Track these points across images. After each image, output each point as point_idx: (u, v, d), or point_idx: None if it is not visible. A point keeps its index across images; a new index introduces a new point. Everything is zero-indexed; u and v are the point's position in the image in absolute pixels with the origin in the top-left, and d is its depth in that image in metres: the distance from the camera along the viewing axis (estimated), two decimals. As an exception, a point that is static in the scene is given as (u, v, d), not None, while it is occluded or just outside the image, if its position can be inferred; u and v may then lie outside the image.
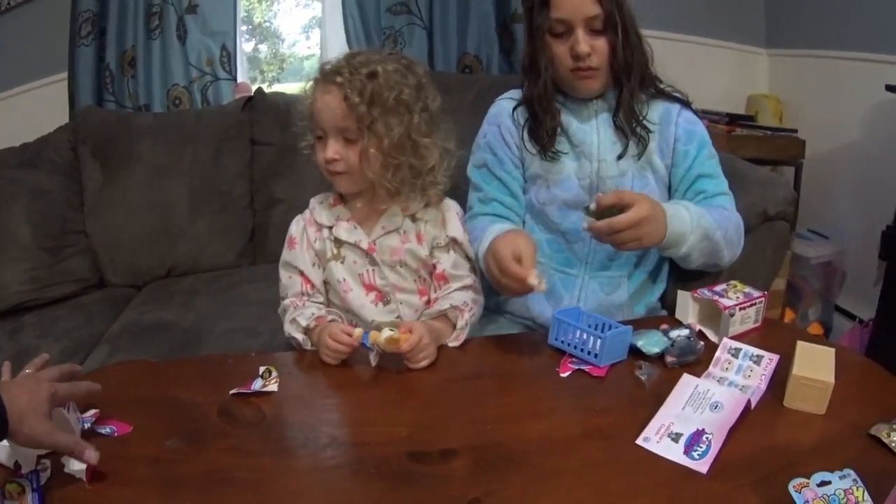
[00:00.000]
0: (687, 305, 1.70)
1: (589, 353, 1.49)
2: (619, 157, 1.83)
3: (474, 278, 1.76)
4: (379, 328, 1.50)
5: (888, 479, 1.05)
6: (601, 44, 1.73)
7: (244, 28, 3.87)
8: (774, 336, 1.59)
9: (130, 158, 2.96)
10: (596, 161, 1.84)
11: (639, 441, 1.25)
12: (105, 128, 3.02)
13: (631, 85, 1.80)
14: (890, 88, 2.77)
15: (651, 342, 1.52)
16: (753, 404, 1.34)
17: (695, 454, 1.20)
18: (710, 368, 1.49)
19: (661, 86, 1.88)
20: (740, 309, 1.62)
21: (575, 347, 1.52)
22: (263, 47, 4.19)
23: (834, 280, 3.68)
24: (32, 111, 3.32)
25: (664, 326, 1.58)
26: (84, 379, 1.39)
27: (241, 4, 3.62)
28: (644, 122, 1.83)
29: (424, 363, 1.51)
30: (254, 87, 3.35)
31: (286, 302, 1.73)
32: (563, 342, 1.54)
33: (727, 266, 1.86)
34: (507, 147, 1.90)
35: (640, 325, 1.62)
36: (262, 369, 1.44)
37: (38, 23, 3.27)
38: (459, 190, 1.93)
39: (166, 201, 2.95)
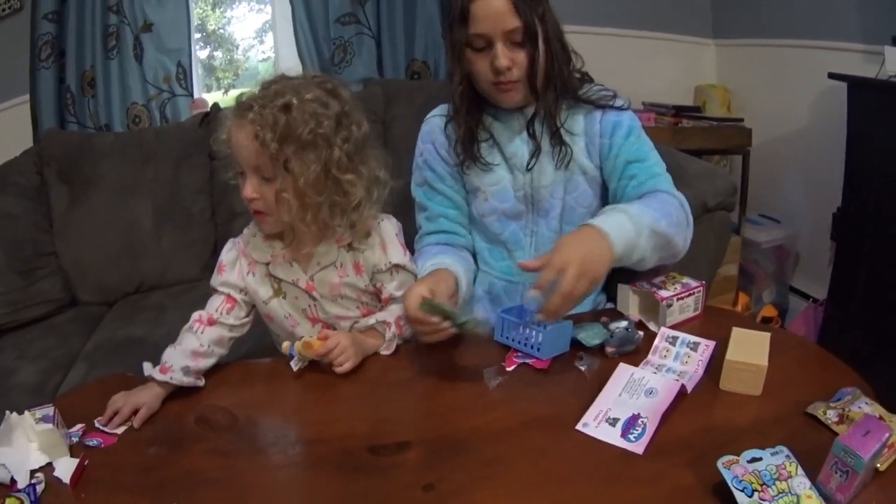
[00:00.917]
0: (627, 298, 1.76)
1: (532, 346, 1.58)
2: (529, 168, 1.84)
3: None
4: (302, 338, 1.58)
5: (824, 454, 1.10)
6: (521, 56, 1.70)
7: (198, 36, 3.91)
8: (715, 323, 1.64)
9: (94, 179, 3.02)
10: (529, 173, 1.85)
11: (578, 427, 1.33)
12: (69, 150, 3.07)
13: (548, 98, 1.77)
14: (833, 76, 2.83)
15: (591, 334, 1.59)
16: (690, 389, 1.42)
17: (631, 437, 1.29)
18: (650, 356, 1.55)
19: (586, 88, 1.85)
20: (678, 299, 1.69)
21: (519, 343, 1.60)
22: (218, 54, 4.23)
23: (787, 262, 3.77)
24: (-4, 135, 3.38)
25: (605, 319, 1.65)
26: (68, 396, 1.51)
27: (194, 18, 3.68)
28: (562, 130, 1.81)
29: (346, 366, 1.54)
30: (210, 96, 3.46)
31: (193, 319, 1.68)
32: (507, 338, 1.63)
33: (683, 251, 1.80)
34: (444, 163, 1.91)
35: (582, 318, 1.69)
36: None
37: (-1, 45, 3.30)
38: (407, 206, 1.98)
39: (131, 219, 3.01)
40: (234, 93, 3.86)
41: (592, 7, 3.93)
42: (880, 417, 1.25)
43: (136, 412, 1.43)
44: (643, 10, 4.06)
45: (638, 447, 1.27)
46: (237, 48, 4.24)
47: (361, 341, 1.62)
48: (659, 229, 1.63)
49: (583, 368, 1.52)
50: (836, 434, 1.20)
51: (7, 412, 1.36)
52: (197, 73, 3.78)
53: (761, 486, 1.11)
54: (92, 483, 1.26)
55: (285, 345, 1.60)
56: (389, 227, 1.74)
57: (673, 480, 1.18)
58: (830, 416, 1.30)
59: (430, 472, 1.22)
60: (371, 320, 1.69)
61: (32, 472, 1.28)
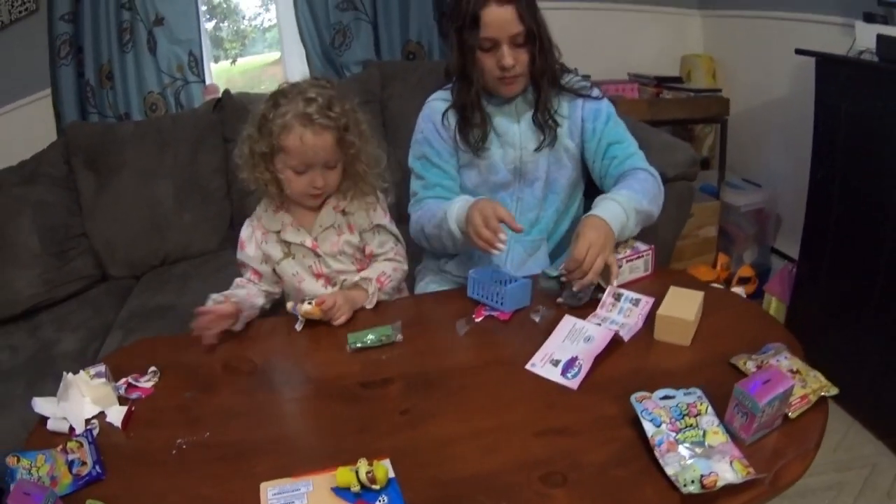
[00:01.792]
0: None
1: (497, 301, 1.83)
2: (537, 148, 2.11)
3: (396, 251, 2.06)
4: (303, 301, 1.82)
5: None
6: (523, 55, 1.97)
7: (204, 8, 3.94)
8: (663, 282, 1.80)
9: (119, 165, 3.18)
10: (518, 149, 2.12)
11: (527, 366, 1.58)
12: (92, 140, 3.22)
13: (546, 87, 2.06)
14: (800, 52, 2.88)
15: (552, 268, 1.91)
16: (628, 338, 1.66)
17: (569, 375, 1.52)
18: (598, 310, 1.78)
19: (567, 78, 2.14)
20: (627, 261, 1.91)
21: (487, 298, 1.86)
22: (225, 25, 4.29)
23: (767, 224, 3.86)
24: (21, 128, 3.48)
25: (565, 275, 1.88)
26: (111, 357, 1.76)
27: (202, 9, 3.79)
28: (556, 116, 2.10)
29: (341, 320, 1.83)
30: (218, 66, 3.73)
31: (237, 279, 2.04)
32: (478, 294, 1.89)
33: (658, 214, 2.09)
34: (442, 140, 2.13)
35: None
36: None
37: (18, 45, 3.41)
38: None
39: (154, 199, 3.19)
40: (241, 62, 4.38)
41: None
42: (797, 371, 1.40)
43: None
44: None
45: (573, 383, 1.51)
46: (243, 18, 4.32)
47: (352, 298, 1.89)
48: (641, 208, 1.95)
49: (536, 319, 1.78)
50: (752, 382, 1.34)
51: (64, 373, 1.56)
52: (208, 59, 3.92)
53: (670, 419, 1.27)
54: (138, 424, 1.50)
55: (288, 305, 1.86)
56: (375, 196, 2.03)
57: (598, 410, 1.41)
58: (750, 366, 1.46)
59: (407, 401, 1.50)
60: (355, 277, 1.97)
61: (87, 421, 1.49)
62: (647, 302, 1.76)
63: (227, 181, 3.35)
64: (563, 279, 1.84)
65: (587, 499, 1.22)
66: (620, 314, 1.77)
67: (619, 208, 1.91)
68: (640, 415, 1.30)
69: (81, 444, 1.37)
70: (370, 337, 1.71)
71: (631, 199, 1.94)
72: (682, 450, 1.23)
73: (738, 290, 3.29)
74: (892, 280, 2.54)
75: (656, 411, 1.30)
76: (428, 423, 1.43)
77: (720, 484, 1.15)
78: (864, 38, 2.75)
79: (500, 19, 1.92)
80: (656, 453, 1.24)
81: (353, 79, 3.56)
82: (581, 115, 2.15)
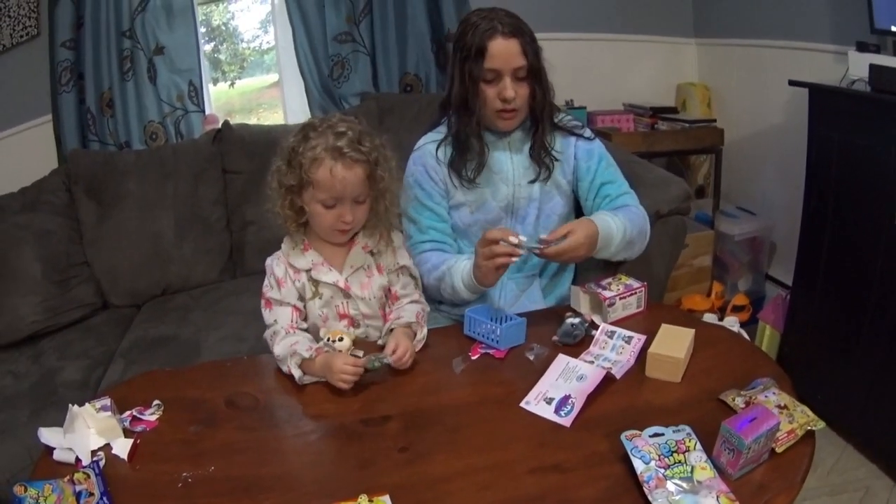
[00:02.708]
0: (578, 297, 2.02)
1: (493, 340, 1.87)
2: (532, 181, 2.15)
3: (419, 293, 2.02)
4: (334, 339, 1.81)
5: None
6: (523, 89, 2.01)
7: (203, 31, 4.02)
8: (656, 318, 1.85)
9: (120, 195, 3.22)
10: (512, 185, 2.15)
11: (522, 404, 1.61)
12: (94, 168, 3.25)
13: (544, 123, 2.10)
14: (793, 83, 2.92)
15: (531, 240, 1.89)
16: (620, 375, 1.69)
17: (562, 413, 1.55)
18: (591, 347, 1.82)
19: (560, 116, 2.19)
20: (620, 298, 1.95)
21: (482, 336, 1.90)
22: (224, 48, 4.32)
23: (762, 252, 3.90)
24: (22, 153, 3.51)
25: (569, 314, 1.93)
26: (116, 390, 1.78)
27: (202, 37, 3.85)
28: (553, 152, 2.15)
29: (408, 365, 1.78)
30: (217, 88, 3.81)
31: (278, 327, 1.86)
32: (474, 333, 1.92)
33: (640, 252, 2.16)
34: (433, 182, 2.14)
35: (549, 314, 2.01)
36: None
37: (19, 69, 3.44)
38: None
39: (155, 230, 3.22)
40: (240, 84, 4.39)
41: (579, 14, 4.11)
42: (784, 406, 1.43)
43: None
44: (627, 15, 4.20)
45: (566, 421, 1.54)
46: (242, 40, 4.35)
47: (411, 339, 1.86)
48: (628, 237, 2.03)
49: (531, 357, 1.81)
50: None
51: (70, 405, 1.57)
52: (207, 87, 3.95)
53: (659, 456, 1.31)
54: (143, 456, 1.51)
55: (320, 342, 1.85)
56: (398, 236, 2.02)
57: (590, 447, 1.45)
58: (738, 402, 1.49)
59: (405, 438, 1.53)
60: (408, 318, 1.90)
61: (93, 452, 1.50)
62: (638, 339, 1.80)
63: (226, 212, 3.40)
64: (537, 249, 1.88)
65: (579, 535, 1.25)
66: (613, 351, 1.80)
67: (613, 229, 2.00)
68: (629, 452, 1.33)
69: (89, 476, 1.39)
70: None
71: (624, 228, 2.02)
72: (671, 485, 1.27)
73: (733, 318, 3.29)
74: (885, 306, 2.57)
75: (646, 448, 1.33)
76: (425, 460, 1.46)
77: (707, 518, 1.18)
78: (857, 67, 2.79)
79: (505, 52, 1.97)
80: (645, 489, 1.27)
81: (351, 111, 3.58)
82: (574, 153, 2.20)
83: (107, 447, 1.53)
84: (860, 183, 2.67)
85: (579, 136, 2.20)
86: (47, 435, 1.54)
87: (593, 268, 2.30)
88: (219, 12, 4.23)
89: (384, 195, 1.88)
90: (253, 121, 4.28)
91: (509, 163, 2.15)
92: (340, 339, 1.81)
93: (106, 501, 1.35)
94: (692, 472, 1.29)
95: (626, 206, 2.14)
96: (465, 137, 2.09)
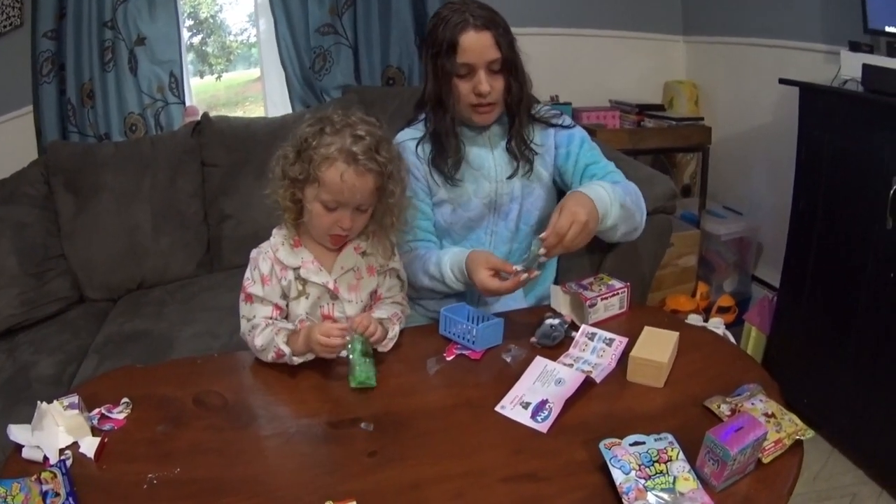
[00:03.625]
0: (558, 297, 1.99)
1: (468, 340, 1.83)
2: (510, 177, 2.12)
3: (402, 296, 1.98)
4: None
5: None
6: (498, 83, 1.99)
7: (191, 23, 4.06)
8: (639, 320, 1.81)
9: (98, 188, 3.19)
10: (494, 182, 2.12)
11: (497, 408, 1.57)
12: (73, 160, 3.23)
13: (521, 116, 2.08)
14: (784, 81, 2.90)
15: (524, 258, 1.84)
16: (601, 379, 1.65)
17: (539, 418, 1.51)
18: (570, 350, 1.78)
19: (537, 107, 2.17)
20: (602, 299, 1.91)
21: (458, 336, 1.86)
22: (211, 41, 4.29)
23: (748, 253, 3.90)
24: (0, 145, 3.47)
25: (548, 315, 1.89)
26: (84, 387, 1.74)
27: (185, 31, 3.83)
28: (532, 145, 2.12)
29: (377, 337, 1.75)
30: (203, 81, 3.78)
31: (256, 321, 1.79)
32: (449, 332, 1.89)
33: (641, 227, 2.12)
34: (415, 179, 2.09)
35: (528, 314, 1.97)
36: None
37: (1, 60, 3.41)
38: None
39: (132, 223, 3.20)
40: (226, 77, 4.37)
41: (566, 9, 4.09)
42: (772, 414, 1.40)
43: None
44: (615, 11, 4.19)
45: (543, 427, 1.49)
46: (229, 34, 4.33)
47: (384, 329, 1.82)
48: (625, 203, 1.96)
49: (508, 360, 1.77)
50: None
51: (38, 402, 1.54)
52: (189, 80, 3.93)
53: (639, 466, 1.27)
54: (110, 456, 1.47)
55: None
56: (391, 241, 1.94)
57: (567, 455, 1.41)
58: (724, 409, 1.46)
59: (375, 442, 1.49)
60: (383, 314, 1.88)
61: (61, 451, 1.47)
62: (620, 342, 1.76)
63: (204, 206, 3.37)
64: (541, 258, 1.83)
65: (553, 546, 1.21)
66: (594, 354, 1.76)
67: (605, 194, 1.92)
68: (608, 462, 1.30)
69: (55, 475, 1.37)
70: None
71: (616, 192, 1.96)
72: (651, 497, 1.23)
73: (718, 319, 3.28)
74: (873, 310, 2.56)
75: (625, 458, 1.30)
76: (396, 465, 1.43)
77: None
78: (850, 66, 2.80)
79: (477, 45, 1.94)
80: (625, 501, 1.23)
81: (332, 104, 3.53)
82: (554, 142, 2.18)
83: (74, 446, 1.51)
84: (850, 184, 2.65)
85: (557, 125, 2.17)
86: (16, 432, 1.52)
87: (576, 267, 2.28)
88: (206, 4, 4.21)
89: (392, 211, 1.82)
90: (239, 114, 4.27)
91: (490, 158, 2.13)
92: None
93: (72, 502, 1.33)
94: (674, 483, 1.26)
95: (616, 181, 2.11)
96: (442, 135, 2.06)
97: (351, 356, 1.69)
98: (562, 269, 2.34)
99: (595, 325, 1.87)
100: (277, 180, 1.78)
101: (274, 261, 1.83)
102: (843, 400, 2.67)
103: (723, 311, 3.64)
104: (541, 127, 2.17)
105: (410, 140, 2.14)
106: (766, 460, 1.32)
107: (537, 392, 1.61)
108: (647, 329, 1.73)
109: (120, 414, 1.62)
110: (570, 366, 1.71)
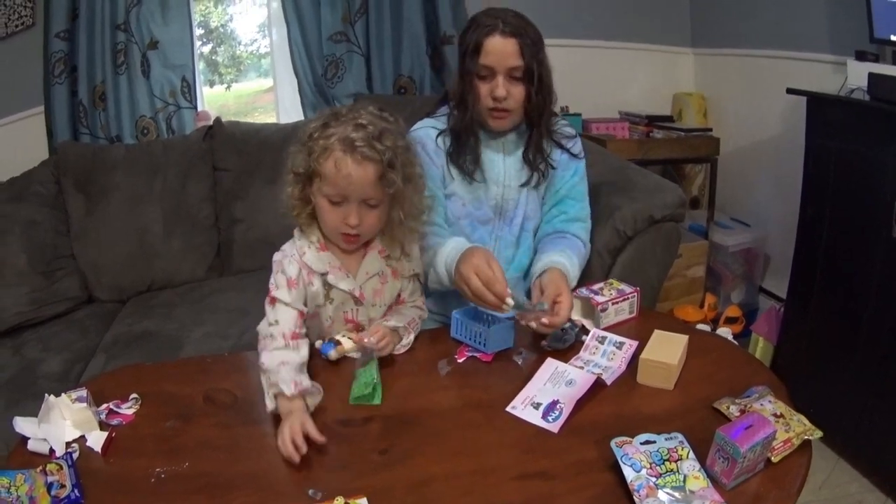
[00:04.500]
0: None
1: (479, 343, 1.83)
2: (523, 185, 2.13)
3: (422, 300, 1.98)
4: (335, 340, 1.78)
5: None
6: (518, 90, 1.98)
7: (201, 32, 4.06)
8: (648, 325, 1.79)
9: (109, 189, 3.20)
10: (502, 186, 2.13)
11: (508, 409, 1.57)
12: (83, 161, 3.24)
13: (541, 128, 2.07)
14: (791, 91, 2.90)
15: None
16: (611, 382, 1.65)
17: (549, 418, 1.51)
18: (581, 353, 1.78)
19: (555, 122, 2.16)
20: (613, 304, 1.92)
21: (469, 339, 1.85)
22: (221, 50, 4.32)
23: (755, 264, 3.89)
24: (12, 143, 3.48)
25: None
26: (94, 382, 1.75)
27: (196, 33, 3.81)
28: (548, 159, 2.13)
29: (387, 351, 1.76)
30: (213, 91, 3.78)
31: (276, 331, 1.68)
32: (461, 335, 1.88)
33: None
34: (433, 165, 2.08)
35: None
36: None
37: (13, 59, 3.42)
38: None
39: (143, 225, 3.21)
40: (236, 87, 4.39)
41: (576, 21, 4.07)
42: (781, 415, 1.40)
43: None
44: (625, 23, 4.19)
45: (554, 427, 1.49)
46: (239, 44, 4.34)
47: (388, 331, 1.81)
48: (577, 273, 2.05)
49: (519, 362, 1.77)
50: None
51: (46, 395, 1.54)
52: (201, 85, 3.95)
53: (650, 464, 1.27)
54: (118, 450, 1.48)
55: (317, 343, 1.81)
56: (415, 245, 1.92)
57: (578, 454, 1.41)
58: (733, 410, 1.46)
59: (386, 440, 1.49)
60: (399, 322, 1.85)
61: (68, 444, 1.47)
62: (630, 345, 1.76)
63: (215, 210, 3.38)
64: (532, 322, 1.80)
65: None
66: (604, 357, 1.76)
67: (574, 272, 2.02)
68: (619, 460, 1.30)
69: (61, 467, 1.37)
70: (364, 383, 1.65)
71: (576, 267, 2.05)
72: (662, 495, 1.23)
73: (725, 330, 3.30)
74: (880, 319, 2.56)
75: (636, 456, 1.29)
76: (406, 463, 1.42)
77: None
78: (856, 76, 2.80)
79: (500, 50, 1.94)
80: (635, 498, 1.23)
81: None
82: (556, 161, 2.18)
83: (81, 439, 1.51)
84: (858, 193, 2.66)
85: (568, 150, 2.18)
86: (22, 424, 1.52)
87: (585, 274, 2.25)
88: (217, 14, 4.23)
89: (400, 203, 1.75)
90: (250, 122, 4.25)
91: (501, 164, 2.13)
92: (338, 343, 1.79)
93: (77, 494, 1.33)
94: (685, 481, 1.26)
95: (575, 238, 2.16)
96: (462, 132, 2.07)
97: (360, 373, 1.68)
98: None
99: (606, 329, 1.87)
100: (287, 178, 1.76)
101: (301, 265, 1.76)
102: (850, 409, 2.67)
103: (730, 321, 3.62)
104: (552, 145, 2.16)
105: (431, 128, 2.14)
106: (775, 459, 1.33)
107: (548, 393, 1.61)
108: (657, 332, 1.73)
109: (129, 409, 1.62)
110: (581, 368, 1.70)
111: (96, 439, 1.50)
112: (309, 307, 1.80)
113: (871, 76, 2.61)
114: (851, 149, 2.64)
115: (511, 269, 2.19)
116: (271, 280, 1.77)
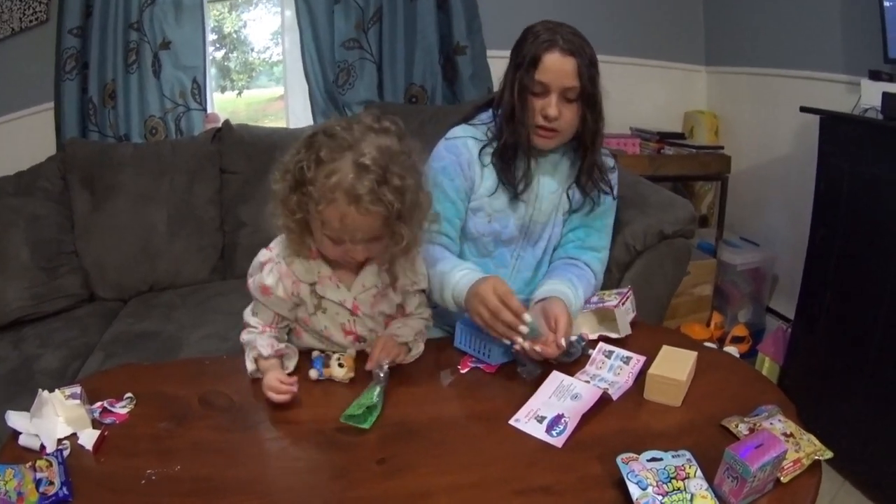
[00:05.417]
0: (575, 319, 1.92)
1: (484, 353, 1.79)
2: (574, 211, 2.07)
3: (429, 312, 1.90)
4: (328, 356, 1.73)
5: None
6: (570, 112, 1.89)
7: (214, 37, 4.08)
8: (655, 341, 1.75)
9: (115, 187, 3.19)
10: (532, 208, 2.05)
11: (511, 421, 1.53)
12: (90, 159, 3.24)
13: (594, 153, 1.98)
14: (805, 110, 2.89)
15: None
16: (617, 397, 1.61)
17: (553, 432, 1.47)
18: (587, 367, 1.75)
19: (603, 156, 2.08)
20: (622, 304, 1.88)
21: (474, 349, 1.82)
22: (234, 56, 4.34)
23: (763, 284, 3.84)
24: (21, 138, 3.49)
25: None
26: (89, 380, 1.73)
27: (209, 34, 3.82)
28: (601, 185, 2.03)
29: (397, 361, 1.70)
30: (225, 97, 3.78)
31: (254, 320, 1.75)
32: (465, 345, 1.84)
33: None
34: (463, 178, 2.00)
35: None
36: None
37: (26, 54, 3.42)
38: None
39: (147, 225, 3.19)
40: (247, 94, 4.39)
41: (591, 36, 3.98)
42: (791, 434, 1.38)
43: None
44: (639, 40, 4.16)
45: (558, 441, 1.46)
46: (252, 50, 4.36)
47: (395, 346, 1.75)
48: (580, 307, 1.94)
49: (524, 374, 1.72)
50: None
51: (39, 390, 1.52)
52: (211, 88, 3.94)
53: (657, 482, 1.25)
54: (110, 450, 1.45)
55: (314, 353, 1.77)
56: (420, 260, 1.82)
57: (582, 470, 1.37)
58: (742, 428, 1.43)
59: (384, 450, 1.45)
60: (407, 336, 1.78)
61: (59, 441, 1.45)
62: (637, 360, 1.73)
63: (221, 212, 3.37)
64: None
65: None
66: (610, 372, 1.73)
67: (578, 303, 1.93)
68: (625, 477, 1.27)
69: (51, 464, 1.35)
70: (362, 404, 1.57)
71: (580, 299, 1.95)
72: (668, 513, 1.20)
73: (732, 349, 3.27)
74: (888, 342, 2.53)
75: (643, 473, 1.27)
76: (405, 474, 1.39)
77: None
78: (870, 95, 2.78)
79: (558, 68, 1.87)
80: (641, 516, 1.20)
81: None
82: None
83: (73, 437, 1.49)
84: (870, 214, 2.63)
85: (607, 183, 2.09)
86: (14, 419, 1.51)
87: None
88: (231, 20, 4.26)
89: (401, 242, 1.62)
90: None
91: (536, 184, 2.05)
92: (340, 366, 1.72)
93: (65, 491, 1.31)
94: (692, 500, 1.23)
95: (587, 271, 2.08)
96: (515, 148, 1.98)
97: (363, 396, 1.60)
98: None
99: (611, 342, 1.84)
100: (278, 210, 1.63)
101: (284, 274, 1.70)
102: (856, 431, 2.63)
103: (737, 340, 3.61)
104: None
105: (471, 139, 2.05)
106: (784, 479, 1.30)
107: (553, 406, 1.57)
108: (665, 348, 1.69)
109: (123, 409, 1.60)
110: (587, 382, 1.67)
111: (88, 437, 1.48)
112: (300, 312, 1.79)
113: (886, 96, 2.58)
114: (864, 169, 2.62)
115: (527, 292, 2.10)
116: (250, 280, 1.76)
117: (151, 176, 3.26)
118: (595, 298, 1.97)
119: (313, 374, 1.73)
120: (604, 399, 1.58)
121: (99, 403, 1.59)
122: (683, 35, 4.30)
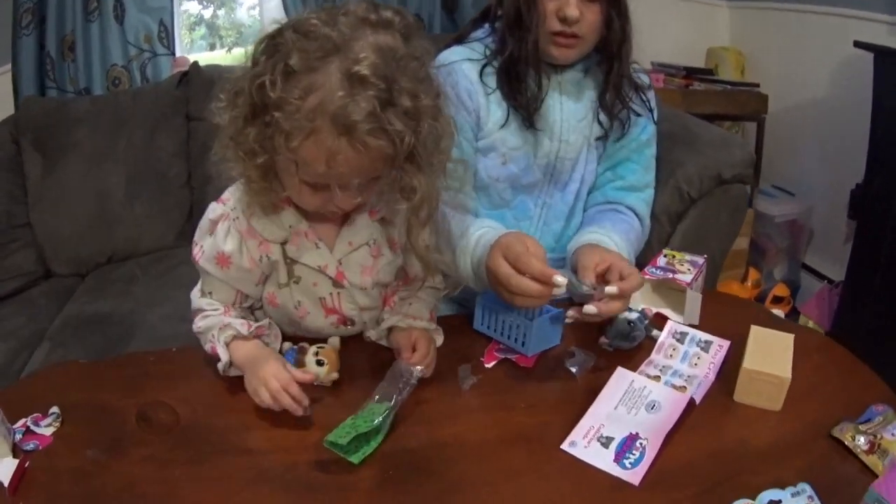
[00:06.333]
0: None
1: (516, 340, 1.39)
2: (599, 139, 1.74)
3: (439, 276, 1.49)
4: (303, 349, 1.34)
5: (850, 490, 0.99)
6: (592, 13, 1.56)
7: None
8: (728, 315, 1.48)
9: (68, 147, 2.95)
10: (557, 141, 1.70)
11: (564, 446, 1.15)
12: (44, 117, 3.00)
13: (623, 63, 1.65)
14: (858, 45, 2.72)
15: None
16: (699, 399, 1.26)
17: (626, 462, 1.11)
18: (653, 355, 1.39)
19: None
20: (695, 280, 1.52)
21: (501, 334, 1.42)
22: (221, 13, 4.18)
23: (800, 238, 3.69)
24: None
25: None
26: (10, 391, 1.49)
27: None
28: (630, 105, 1.70)
29: (428, 373, 1.30)
30: (213, 55, 3.75)
31: (206, 303, 1.37)
32: (488, 327, 1.44)
33: None
34: (465, 111, 1.66)
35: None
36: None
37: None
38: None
39: (104, 188, 2.95)
40: (237, 51, 4.14)
41: None
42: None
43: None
44: (654, -31, 4.01)
45: (634, 476, 1.09)
46: (241, 6, 4.22)
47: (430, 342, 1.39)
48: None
49: (573, 369, 1.34)
50: (865, 465, 1.09)
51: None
52: (179, 29, 3.76)
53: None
54: (29, 488, 1.15)
55: (285, 345, 1.38)
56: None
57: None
58: (860, 442, 1.14)
59: (384, 495, 1.08)
60: (428, 325, 1.41)
61: None
62: (720, 346, 1.38)
63: (187, 167, 3.12)
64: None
65: None
66: (685, 362, 1.36)
67: (630, 253, 1.62)
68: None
69: None
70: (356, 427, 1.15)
71: (630, 251, 1.64)
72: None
73: (775, 311, 3.01)
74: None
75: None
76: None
77: None
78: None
79: None
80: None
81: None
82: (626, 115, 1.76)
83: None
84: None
85: (645, 100, 1.75)
86: None
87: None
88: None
89: (417, 201, 1.23)
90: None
91: (558, 110, 1.69)
92: (319, 363, 1.32)
93: None
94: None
95: (629, 217, 1.76)
96: (521, 62, 1.61)
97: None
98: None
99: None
100: (229, 145, 1.20)
101: (247, 234, 1.29)
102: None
103: (776, 300, 3.46)
104: (632, 89, 1.72)
105: (466, 61, 1.67)
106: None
107: (623, 422, 1.19)
108: (754, 329, 1.33)
109: (47, 428, 1.30)
110: (657, 378, 1.31)
111: (5, 471, 1.18)
112: (268, 286, 1.38)
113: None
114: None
115: (559, 248, 1.77)
116: (199, 244, 1.35)
117: (108, 131, 3.03)
118: (662, 259, 1.61)
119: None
120: (690, 406, 1.22)
121: (22, 421, 1.30)
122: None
